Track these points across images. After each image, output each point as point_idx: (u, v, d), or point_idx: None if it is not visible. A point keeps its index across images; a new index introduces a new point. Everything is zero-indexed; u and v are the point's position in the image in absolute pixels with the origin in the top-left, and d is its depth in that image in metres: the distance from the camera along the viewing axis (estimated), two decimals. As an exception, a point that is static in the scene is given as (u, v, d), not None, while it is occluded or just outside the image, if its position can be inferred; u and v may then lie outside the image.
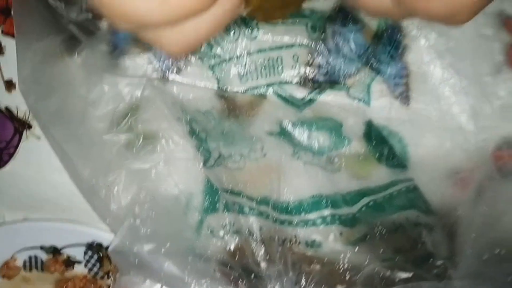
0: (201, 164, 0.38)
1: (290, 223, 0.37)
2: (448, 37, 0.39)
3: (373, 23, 0.39)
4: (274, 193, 0.37)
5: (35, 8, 0.38)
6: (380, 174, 0.39)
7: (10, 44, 0.41)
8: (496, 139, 0.38)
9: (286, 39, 0.39)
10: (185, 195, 0.38)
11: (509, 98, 0.39)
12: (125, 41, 0.40)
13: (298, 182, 0.38)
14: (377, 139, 0.39)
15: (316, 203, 0.38)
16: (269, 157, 0.38)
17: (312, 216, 0.38)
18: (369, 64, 0.39)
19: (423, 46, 0.39)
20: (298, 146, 0.39)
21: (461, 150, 0.39)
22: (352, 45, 0.39)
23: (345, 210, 0.37)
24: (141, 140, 0.38)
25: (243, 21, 0.38)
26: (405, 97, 0.40)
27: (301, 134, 0.39)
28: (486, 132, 0.38)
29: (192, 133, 0.38)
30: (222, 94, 0.40)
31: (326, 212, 0.38)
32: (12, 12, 0.40)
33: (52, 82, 0.38)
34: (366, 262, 0.35)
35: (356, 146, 0.39)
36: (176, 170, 0.38)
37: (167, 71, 0.39)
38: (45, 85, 0.38)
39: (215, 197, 0.38)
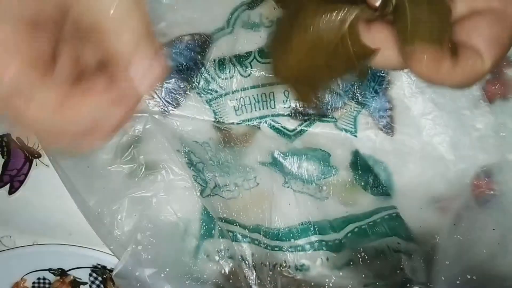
0: (198, 193, 0.41)
1: (280, 248, 0.40)
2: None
3: (358, 61, 0.42)
4: (265, 221, 0.40)
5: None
6: (365, 202, 0.41)
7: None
8: (474, 168, 0.41)
9: (278, 76, 0.42)
10: (184, 222, 0.41)
11: (486, 130, 0.41)
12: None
13: (288, 210, 0.41)
14: (363, 168, 0.42)
15: (304, 229, 0.40)
16: (261, 186, 0.41)
17: (301, 242, 0.40)
18: (355, 99, 0.42)
19: (405, 82, 0.42)
20: (289, 175, 0.41)
21: (441, 178, 0.41)
22: (339, 82, 0.42)
23: (332, 236, 0.40)
24: (143, 170, 0.41)
25: (237, 60, 0.41)
26: (389, 129, 0.42)
27: (291, 164, 0.42)
28: (465, 162, 0.41)
29: (190, 164, 0.41)
30: (219, 126, 0.43)
31: (314, 238, 0.40)
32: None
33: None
34: (349, 287, 0.37)
35: (344, 175, 0.42)
36: (175, 198, 0.41)
37: (167, 105, 0.42)
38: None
39: (211, 223, 0.41)
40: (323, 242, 0.40)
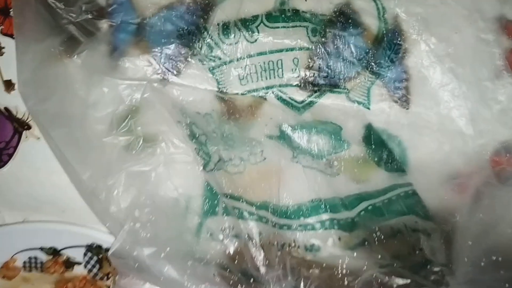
0: (201, 167, 0.38)
1: (289, 227, 0.38)
2: (448, 42, 0.39)
3: (373, 27, 0.39)
4: (273, 197, 0.38)
5: (35, 9, 0.38)
6: (379, 178, 0.39)
7: (9, 44, 0.41)
8: (494, 144, 0.39)
9: (287, 42, 0.39)
10: (185, 198, 0.38)
11: (508, 103, 0.39)
12: (125, 42, 0.40)
13: (297, 186, 0.38)
14: (376, 143, 0.39)
15: (315, 207, 0.38)
16: (268, 161, 0.39)
17: (311, 220, 0.38)
18: (369, 68, 0.39)
19: (423, 51, 0.39)
20: (297, 150, 0.39)
21: (459, 154, 0.39)
22: (352, 49, 0.39)
23: (344, 215, 0.38)
24: (141, 142, 0.38)
25: (243, 24, 0.38)
26: (404, 101, 0.40)
27: (300, 138, 0.39)
28: (484, 137, 0.39)
29: (192, 136, 0.38)
30: (222, 96, 0.40)
31: (325, 216, 0.38)
32: (11, 13, 0.40)
33: (51, 84, 0.39)
34: (364, 268, 0.35)
35: (356, 149, 0.40)
36: (175, 173, 0.38)
37: (167, 73, 0.39)
38: (45, 87, 0.38)
39: (215, 200, 0.39)
40: (335, 221, 0.38)
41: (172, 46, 0.39)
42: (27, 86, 0.37)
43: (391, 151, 0.39)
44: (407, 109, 0.40)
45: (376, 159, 0.39)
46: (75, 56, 0.39)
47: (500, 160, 0.39)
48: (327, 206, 0.38)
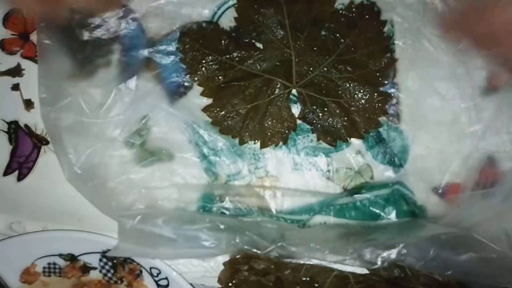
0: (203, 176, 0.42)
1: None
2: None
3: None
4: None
5: (57, 36, 0.41)
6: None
7: (29, 66, 0.44)
8: (481, 156, 0.41)
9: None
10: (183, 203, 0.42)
11: (492, 120, 0.41)
12: (135, 64, 0.43)
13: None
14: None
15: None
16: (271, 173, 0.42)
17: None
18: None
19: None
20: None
21: (449, 164, 0.42)
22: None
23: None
24: (149, 156, 0.42)
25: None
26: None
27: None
28: (473, 149, 0.41)
29: (203, 157, 0.42)
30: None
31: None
32: (31, 37, 0.44)
33: (68, 100, 0.41)
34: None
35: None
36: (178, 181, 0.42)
37: (176, 93, 0.42)
38: (61, 103, 0.41)
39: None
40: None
41: (180, 68, 0.42)
42: (46, 106, 0.41)
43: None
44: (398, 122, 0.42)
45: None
46: (91, 76, 0.42)
47: (485, 171, 0.41)
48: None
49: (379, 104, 0.40)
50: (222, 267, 0.41)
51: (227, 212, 0.42)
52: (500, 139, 0.41)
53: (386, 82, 0.40)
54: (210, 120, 0.41)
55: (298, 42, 0.40)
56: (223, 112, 0.41)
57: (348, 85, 0.40)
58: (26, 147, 0.45)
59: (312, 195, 0.42)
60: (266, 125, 0.41)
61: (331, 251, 0.38)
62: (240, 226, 0.40)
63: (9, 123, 0.45)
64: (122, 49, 0.43)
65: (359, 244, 0.38)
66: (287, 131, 0.41)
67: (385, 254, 0.37)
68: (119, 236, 0.40)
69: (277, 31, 0.40)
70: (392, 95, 0.41)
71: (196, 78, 0.41)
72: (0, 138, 0.45)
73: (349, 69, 0.40)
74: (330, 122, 0.41)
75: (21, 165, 0.45)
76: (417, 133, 0.42)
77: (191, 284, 0.41)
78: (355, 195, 0.41)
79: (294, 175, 0.43)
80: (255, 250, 0.39)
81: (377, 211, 0.41)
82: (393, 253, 0.37)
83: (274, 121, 0.41)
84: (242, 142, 0.41)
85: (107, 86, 0.42)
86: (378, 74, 0.40)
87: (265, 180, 0.43)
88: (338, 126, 0.40)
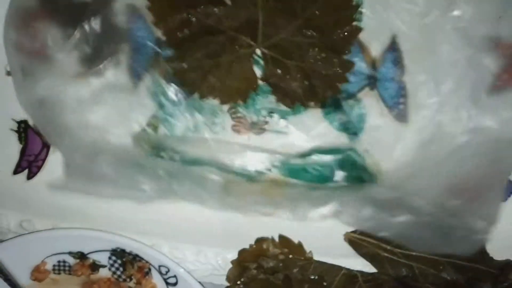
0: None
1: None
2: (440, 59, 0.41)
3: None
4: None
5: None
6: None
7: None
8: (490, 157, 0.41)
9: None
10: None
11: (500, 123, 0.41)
12: (143, 63, 0.43)
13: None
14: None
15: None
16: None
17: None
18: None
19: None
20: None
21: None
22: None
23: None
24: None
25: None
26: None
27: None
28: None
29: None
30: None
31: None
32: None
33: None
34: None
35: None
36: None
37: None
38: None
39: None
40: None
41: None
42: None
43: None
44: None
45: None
46: (99, 75, 0.42)
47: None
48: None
49: (340, 71, 0.40)
50: (231, 265, 0.41)
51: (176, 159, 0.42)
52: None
53: (349, 50, 0.40)
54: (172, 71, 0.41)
55: (267, 2, 0.40)
56: (184, 65, 0.41)
57: (311, 50, 0.40)
58: (36, 146, 0.45)
59: (266, 153, 0.42)
60: (227, 82, 0.41)
61: (270, 206, 0.39)
62: (182, 174, 0.40)
63: (19, 122, 0.45)
64: (130, 48, 0.43)
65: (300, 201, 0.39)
66: (247, 90, 0.41)
67: (319, 209, 0.39)
68: (64, 171, 0.41)
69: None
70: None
71: (160, 28, 0.41)
72: (10, 137, 0.45)
73: (315, 34, 0.40)
74: (291, 85, 0.41)
75: (30, 164, 0.45)
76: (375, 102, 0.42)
77: (199, 282, 0.41)
78: (307, 157, 0.42)
79: (251, 133, 0.43)
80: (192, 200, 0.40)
81: (327, 174, 0.42)
82: (326, 209, 0.39)
83: (235, 79, 0.41)
84: (202, 96, 0.41)
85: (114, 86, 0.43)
86: (342, 42, 0.40)
87: (221, 136, 0.43)
88: (299, 91, 0.41)
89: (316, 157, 0.42)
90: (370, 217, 0.38)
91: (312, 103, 0.42)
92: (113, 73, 0.42)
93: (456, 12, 0.41)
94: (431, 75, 0.41)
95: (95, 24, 0.41)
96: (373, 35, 0.42)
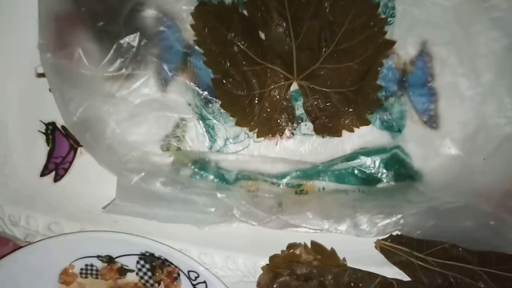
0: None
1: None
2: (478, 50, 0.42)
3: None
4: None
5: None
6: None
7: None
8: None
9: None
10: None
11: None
12: (171, 70, 0.43)
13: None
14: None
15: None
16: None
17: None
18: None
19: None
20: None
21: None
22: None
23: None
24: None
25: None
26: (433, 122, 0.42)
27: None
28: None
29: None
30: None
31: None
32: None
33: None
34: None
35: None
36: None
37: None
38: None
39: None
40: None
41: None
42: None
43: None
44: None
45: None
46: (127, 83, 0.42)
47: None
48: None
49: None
50: (260, 272, 0.41)
51: (225, 173, 0.42)
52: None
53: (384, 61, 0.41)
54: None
55: (298, 36, 0.40)
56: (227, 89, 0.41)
57: (347, 73, 0.40)
58: (63, 148, 0.45)
59: (308, 159, 0.43)
60: (264, 114, 0.42)
61: (328, 220, 0.39)
62: (236, 195, 0.40)
63: (47, 124, 0.45)
64: (159, 52, 0.42)
65: (357, 211, 0.38)
66: (284, 123, 0.42)
67: (381, 224, 0.38)
68: (117, 193, 0.40)
69: (279, 23, 0.40)
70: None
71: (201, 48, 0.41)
72: (38, 139, 0.45)
73: (349, 57, 0.40)
74: (334, 112, 0.41)
75: (57, 166, 0.45)
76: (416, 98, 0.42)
77: (229, 289, 0.41)
78: (354, 160, 0.42)
79: (292, 140, 0.43)
80: (251, 222, 0.39)
81: (376, 175, 0.42)
82: (390, 224, 0.38)
83: (272, 111, 0.41)
84: (239, 125, 0.42)
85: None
86: (375, 56, 0.40)
87: (263, 145, 0.43)
88: (344, 117, 0.41)
89: (361, 159, 0.42)
90: (433, 226, 0.37)
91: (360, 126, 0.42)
92: (144, 84, 0.42)
93: (490, 3, 0.41)
94: (470, 67, 0.41)
95: (132, 39, 0.41)
96: (403, 39, 0.42)
